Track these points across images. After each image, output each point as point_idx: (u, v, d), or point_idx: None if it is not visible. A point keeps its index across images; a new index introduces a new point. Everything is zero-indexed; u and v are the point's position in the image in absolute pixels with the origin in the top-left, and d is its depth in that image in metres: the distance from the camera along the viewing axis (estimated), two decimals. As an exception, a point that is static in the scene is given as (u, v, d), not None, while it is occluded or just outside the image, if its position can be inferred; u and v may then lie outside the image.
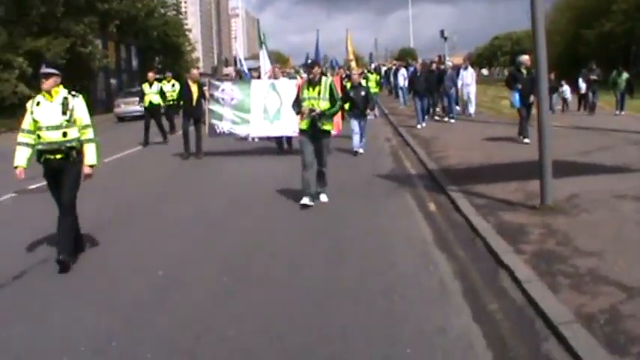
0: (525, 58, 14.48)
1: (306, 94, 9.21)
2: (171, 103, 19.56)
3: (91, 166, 6.93)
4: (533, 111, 12.61)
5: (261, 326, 4.88)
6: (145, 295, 5.79)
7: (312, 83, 9.23)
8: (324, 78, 9.43)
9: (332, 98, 9.21)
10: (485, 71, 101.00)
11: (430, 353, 4.33)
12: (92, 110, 28.54)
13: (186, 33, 64.43)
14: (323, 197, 9.53)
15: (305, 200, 9.03)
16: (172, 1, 61.88)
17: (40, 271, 6.72)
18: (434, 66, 22.22)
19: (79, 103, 6.82)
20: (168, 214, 9.40)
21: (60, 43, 34.72)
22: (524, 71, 14.34)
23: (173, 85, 20.44)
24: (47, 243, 7.58)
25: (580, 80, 24.56)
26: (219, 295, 5.69)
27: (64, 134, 6.69)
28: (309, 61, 32.49)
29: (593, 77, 22.93)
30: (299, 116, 9.61)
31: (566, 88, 25.03)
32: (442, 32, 39.16)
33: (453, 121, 20.81)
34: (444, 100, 21.68)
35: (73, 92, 6.85)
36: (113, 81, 48.73)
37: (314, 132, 9.16)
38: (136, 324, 5.10)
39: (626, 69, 23.28)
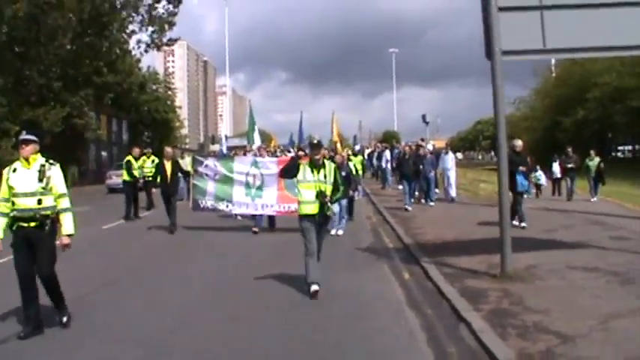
0: (520, 142, 14.79)
1: (310, 176, 8.68)
2: (149, 179, 19.30)
3: (69, 236, 6.86)
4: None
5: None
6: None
7: (317, 166, 8.72)
8: (326, 162, 9.05)
9: (336, 183, 8.85)
10: (459, 155, 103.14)
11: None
12: (83, 180, 29.72)
13: (176, 109, 66.34)
14: (314, 287, 8.51)
15: (314, 287, 8.45)
16: (163, 78, 64.11)
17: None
18: (422, 150, 22.06)
19: (55, 172, 6.81)
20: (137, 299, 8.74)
21: (57, 113, 35.92)
22: (519, 156, 14.47)
23: (153, 161, 20.57)
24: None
25: (554, 165, 25.06)
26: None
27: (39, 201, 6.63)
28: (294, 141, 32.99)
29: (570, 165, 23.11)
30: (299, 198, 8.92)
31: (540, 174, 25.11)
32: (424, 117, 40.63)
33: (432, 204, 21.06)
34: (422, 184, 21.55)
35: (51, 161, 6.85)
36: (104, 153, 50.03)
37: (320, 218, 8.70)
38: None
39: (601, 155, 24.39)
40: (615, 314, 6.77)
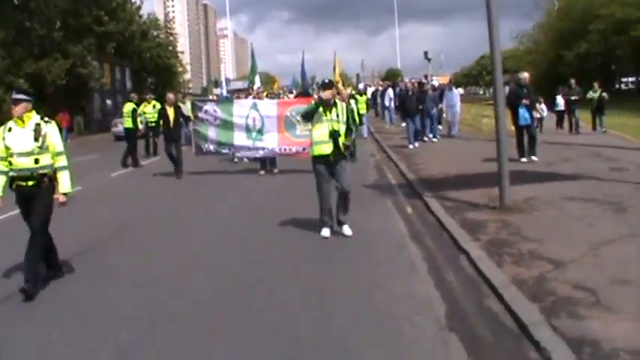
0: (525, 75, 14.78)
1: (323, 116, 8.42)
2: (153, 125, 19.90)
3: (65, 194, 6.83)
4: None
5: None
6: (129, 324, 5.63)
7: (328, 105, 8.44)
8: (338, 101, 8.74)
9: (348, 122, 8.64)
10: (461, 90, 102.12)
11: (399, 309, 5.68)
12: (89, 129, 30.00)
13: (178, 55, 66.10)
14: (346, 230, 8.62)
15: (325, 232, 8.54)
16: (164, 24, 63.76)
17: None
18: (425, 87, 22.27)
19: (51, 130, 6.73)
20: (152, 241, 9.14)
21: (60, 65, 36.03)
22: (524, 90, 14.61)
23: (154, 107, 20.68)
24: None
25: (558, 97, 24.63)
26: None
27: (36, 161, 6.59)
28: (298, 81, 32.46)
29: (573, 97, 22.70)
30: (308, 139, 9.31)
31: (542, 107, 23.61)
32: (426, 53, 40.62)
33: (435, 140, 21.34)
34: (425, 120, 21.42)
35: (46, 119, 6.77)
36: (109, 102, 50.14)
37: (336, 157, 8.47)
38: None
39: (605, 87, 24.10)
40: (606, 241, 7.11)
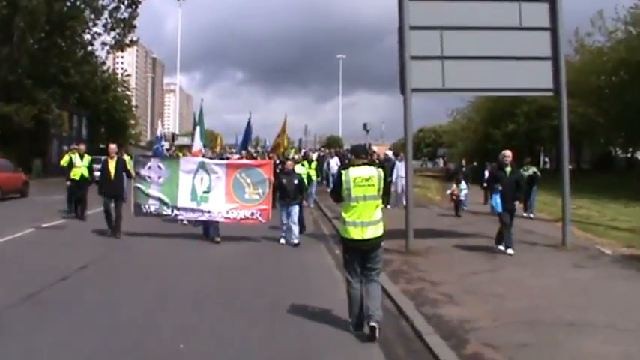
0: (508, 153, 12.96)
1: (351, 182, 7.12)
2: (79, 179, 18.58)
3: None
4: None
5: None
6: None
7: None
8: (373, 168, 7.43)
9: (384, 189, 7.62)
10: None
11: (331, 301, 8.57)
12: (47, 172, 31.18)
13: (132, 108, 68.66)
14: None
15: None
16: (121, 79, 66.56)
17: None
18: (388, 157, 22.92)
19: None
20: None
21: (28, 110, 38.47)
22: (508, 170, 12.79)
23: (82, 158, 19.02)
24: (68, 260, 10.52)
25: (486, 172, 21.63)
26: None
27: None
28: (244, 141, 31.80)
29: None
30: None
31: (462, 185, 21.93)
32: (365, 125, 44.19)
33: (389, 207, 20.42)
34: None
35: None
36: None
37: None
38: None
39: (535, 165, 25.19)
40: (472, 272, 10.30)
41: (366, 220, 7.08)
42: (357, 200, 7.07)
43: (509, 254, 12.22)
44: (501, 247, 12.62)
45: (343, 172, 7.31)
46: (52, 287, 9.26)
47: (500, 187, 12.61)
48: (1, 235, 14.01)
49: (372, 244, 7.14)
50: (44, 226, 16.35)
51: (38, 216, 17.96)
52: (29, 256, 12.25)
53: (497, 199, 12.65)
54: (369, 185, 7.06)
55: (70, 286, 9.50)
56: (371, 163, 7.79)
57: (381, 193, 7.20)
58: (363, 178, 7.07)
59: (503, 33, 12.91)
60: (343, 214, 7.23)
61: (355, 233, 7.07)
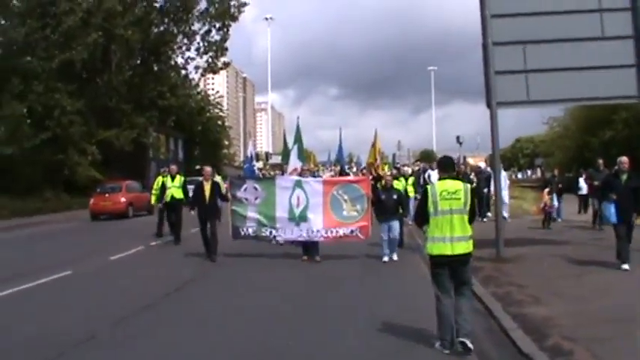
0: (625, 159, 12.02)
1: (437, 195, 7.08)
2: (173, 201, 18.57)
3: None
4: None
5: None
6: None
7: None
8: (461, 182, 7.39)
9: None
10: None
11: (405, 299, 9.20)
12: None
13: (226, 129, 71.14)
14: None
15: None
16: (214, 100, 69.14)
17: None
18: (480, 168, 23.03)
19: None
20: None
21: (127, 134, 40.65)
22: (624, 177, 11.86)
23: (173, 180, 18.91)
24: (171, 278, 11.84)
25: (581, 180, 23.02)
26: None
27: None
28: (337, 158, 32.09)
29: (597, 183, 17.06)
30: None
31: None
32: (458, 138, 44.18)
33: (485, 220, 20.97)
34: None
35: None
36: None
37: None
38: None
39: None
40: (558, 276, 10.75)
41: (456, 235, 6.96)
42: (444, 214, 6.97)
43: (625, 269, 11.19)
44: (619, 263, 11.45)
45: (428, 186, 7.37)
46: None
47: (614, 197, 11.68)
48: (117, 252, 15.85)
49: (464, 259, 7.09)
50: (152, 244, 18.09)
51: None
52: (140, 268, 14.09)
53: (611, 209, 11.77)
54: (455, 198, 6.96)
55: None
56: (456, 177, 7.57)
57: (468, 207, 7.03)
58: (449, 191, 7.00)
59: (585, 43, 13.23)
60: (431, 231, 7.09)
61: (446, 249, 6.95)
